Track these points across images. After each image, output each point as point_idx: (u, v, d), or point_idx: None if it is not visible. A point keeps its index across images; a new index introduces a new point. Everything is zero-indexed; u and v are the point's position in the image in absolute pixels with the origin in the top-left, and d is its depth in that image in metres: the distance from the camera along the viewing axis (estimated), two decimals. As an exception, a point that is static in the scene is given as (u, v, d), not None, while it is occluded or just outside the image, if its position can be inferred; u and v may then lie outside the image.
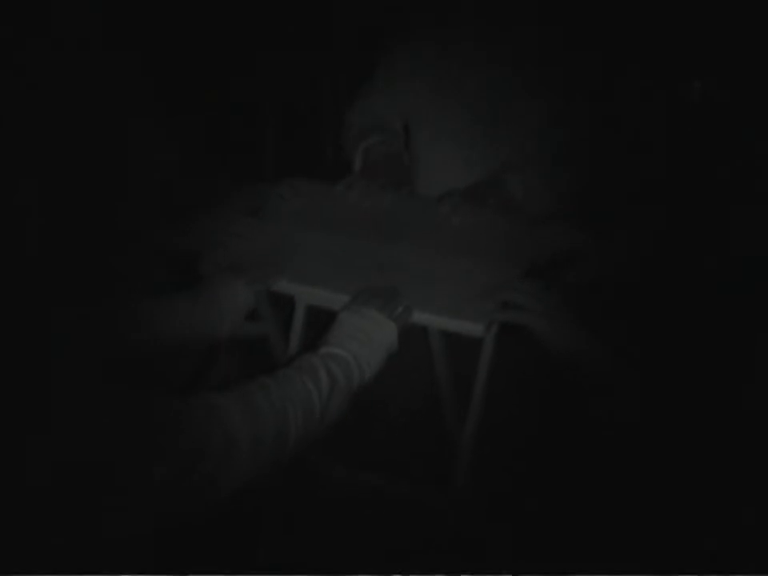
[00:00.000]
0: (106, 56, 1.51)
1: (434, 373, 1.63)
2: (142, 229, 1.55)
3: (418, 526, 1.87)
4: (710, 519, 1.29)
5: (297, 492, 1.90)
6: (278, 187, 1.78)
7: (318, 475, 1.94)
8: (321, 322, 1.37)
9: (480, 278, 1.47)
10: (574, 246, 1.57)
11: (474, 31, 1.84)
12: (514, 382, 1.76)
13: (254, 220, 1.67)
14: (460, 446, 1.60)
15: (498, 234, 1.63)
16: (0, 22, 1.24)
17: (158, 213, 1.57)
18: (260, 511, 1.83)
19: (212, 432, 1.05)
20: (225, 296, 1.43)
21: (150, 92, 1.63)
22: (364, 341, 1.28)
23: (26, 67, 1.27)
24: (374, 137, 1.88)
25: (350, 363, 1.25)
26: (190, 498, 1.03)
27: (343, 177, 1.82)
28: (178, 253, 1.59)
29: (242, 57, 2.54)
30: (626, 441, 1.47)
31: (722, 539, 1.26)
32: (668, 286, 1.48)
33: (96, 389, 1.00)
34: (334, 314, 1.33)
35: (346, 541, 1.89)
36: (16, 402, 0.90)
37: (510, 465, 1.84)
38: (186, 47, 2.14)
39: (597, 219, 1.70)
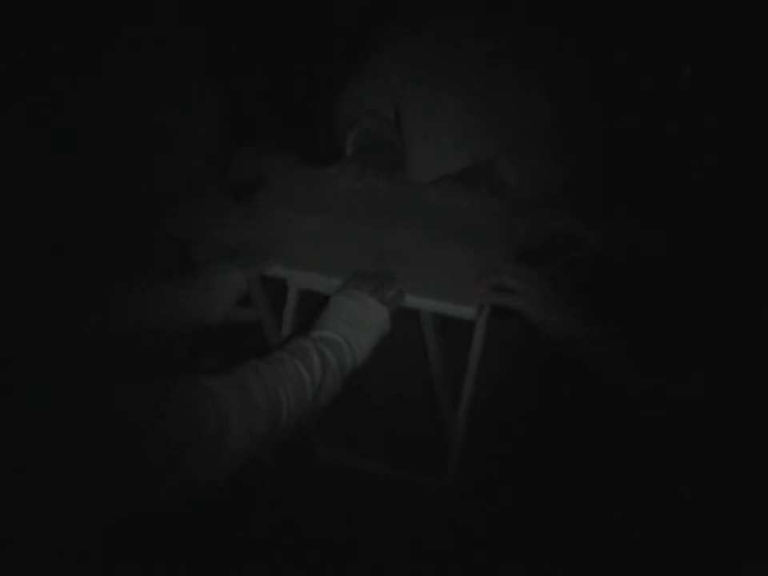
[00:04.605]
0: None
1: (427, 356, 1.63)
2: (135, 216, 1.56)
3: (410, 511, 1.88)
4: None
5: (291, 476, 1.91)
6: (270, 166, 1.78)
7: (311, 460, 1.95)
8: (313, 306, 1.38)
9: (472, 261, 1.47)
10: (567, 230, 1.57)
11: (467, 19, 1.84)
12: (507, 366, 1.76)
13: (246, 205, 1.67)
14: (453, 431, 1.61)
15: (490, 218, 1.63)
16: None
17: (152, 199, 1.58)
18: (254, 495, 1.84)
19: (205, 415, 1.05)
20: (217, 281, 1.43)
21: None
22: (356, 324, 1.28)
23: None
24: (365, 123, 1.88)
25: (342, 346, 1.25)
26: (183, 480, 1.03)
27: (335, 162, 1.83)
28: (170, 239, 1.59)
29: (237, 46, 2.53)
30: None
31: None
32: (661, 269, 1.49)
33: (89, 372, 1.00)
34: (326, 298, 1.34)
35: (338, 525, 1.90)
36: (9, 386, 0.90)
37: (504, 450, 1.85)
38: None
39: (589, 203, 1.70)
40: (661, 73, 2.05)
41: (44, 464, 0.89)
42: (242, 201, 1.67)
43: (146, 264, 1.54)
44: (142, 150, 1.60)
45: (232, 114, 1.88)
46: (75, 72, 1.50)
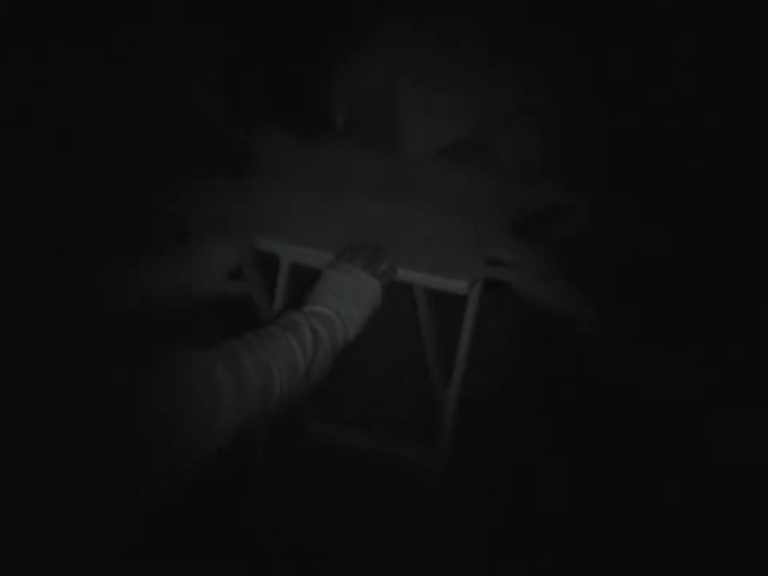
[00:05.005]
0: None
1: (420, 331, 1.63)
2: (128, 194, 1.54)
3: (402, 484, 1.88)
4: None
5: (283, 452, 1.91)
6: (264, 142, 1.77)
7: (304, 435, 1.94)
8: (305, 281, 1.37)
9: (465, 235, 1.46)
10: (560, 204, 1.57)
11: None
12: (500, 339, 1.76)
13: (238, 179, 1.66)
14: (445, 405, 1.61)
15: (483, 191, 1.62)
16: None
17: (150, 182, 1.57)
18: (247, 470, 1.84)
19: (197, 390, 1.04)
20: (208, 255, 1.42)
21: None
22: (348, 298, 1.28)
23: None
24: (359, 96, 1.87)
25: (335, 320, 1.25)
26: (175, 457, 1.03)
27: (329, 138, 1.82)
28: (168, 220, 1.58)
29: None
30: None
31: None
32: (655, 244, 1.48)
33: (79, 351, 0.99)
34: (318, 272, 1.33)
35: (331, 500, 1.90)
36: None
37: (498, 426, 1.85)
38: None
39: (583, 178, 1.69)
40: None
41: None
42: (235, 178, 1.66)
43: (143, 244, 1.53)
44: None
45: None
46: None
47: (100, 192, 1.41)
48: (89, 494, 0.93)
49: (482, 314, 1.55)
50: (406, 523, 1.80)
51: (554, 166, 1.76)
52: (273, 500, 1.88)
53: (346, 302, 1.27)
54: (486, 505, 1.81)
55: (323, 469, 1.95)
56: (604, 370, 1.38)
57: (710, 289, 1.34)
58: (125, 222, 1.51)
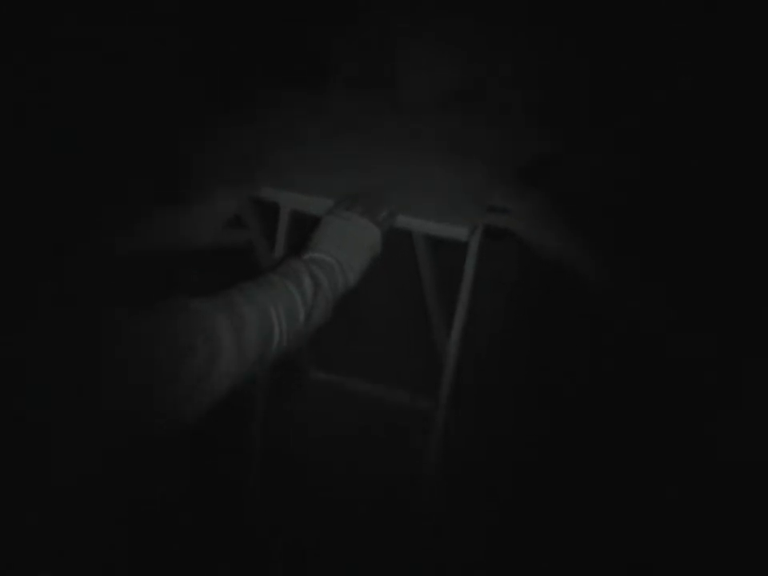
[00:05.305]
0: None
1: (420, 279, 1.63)
2: (128, 145, 1.54)
3: (405, 433, 1.89)
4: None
5: (283, 400, 1.92)
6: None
7: (304, 383, 1.95)
8: (306, 228, 1.36)
9: (465, 181, 1.45)
10: (561, 150, 1.55)
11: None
12: (501, 288, 1.76)
13: (238, 128, 1.64)
14: (446, 352, 1.61)
15: (482, 138, 1.61)
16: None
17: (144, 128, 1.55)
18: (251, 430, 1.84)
19: (194, 336, 1.04)
20: (206, 203, 1.41)
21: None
22: (347, 245, 1.27)
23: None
24: (360, 44, 1.85)
25: (334, 267, 1.24)
26: (176, 404, 1.03)
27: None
28: (161, 166, 1.57)
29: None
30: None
31: None
32: (652, 194, 1.47)
33: (78, 300, 0.99)
34: (318, 220, 1.32)
35: (332, 448, 1.91)
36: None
37: (497, 374, 1.85)
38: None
39: (585, 127, 1.68)
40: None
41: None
42: (233, 125, 1.65)
43: (144, 195, 1.52)
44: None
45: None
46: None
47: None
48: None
49: (484, 262, 1.54)
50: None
51: (556, 114, 1.75)
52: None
53: (346, 248, 1.27)
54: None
55: (324, 416, 1.96)
56: (608, 317, 1.38)
57: (713, 236, 1.33)
58: (126, 175, 1.50)
